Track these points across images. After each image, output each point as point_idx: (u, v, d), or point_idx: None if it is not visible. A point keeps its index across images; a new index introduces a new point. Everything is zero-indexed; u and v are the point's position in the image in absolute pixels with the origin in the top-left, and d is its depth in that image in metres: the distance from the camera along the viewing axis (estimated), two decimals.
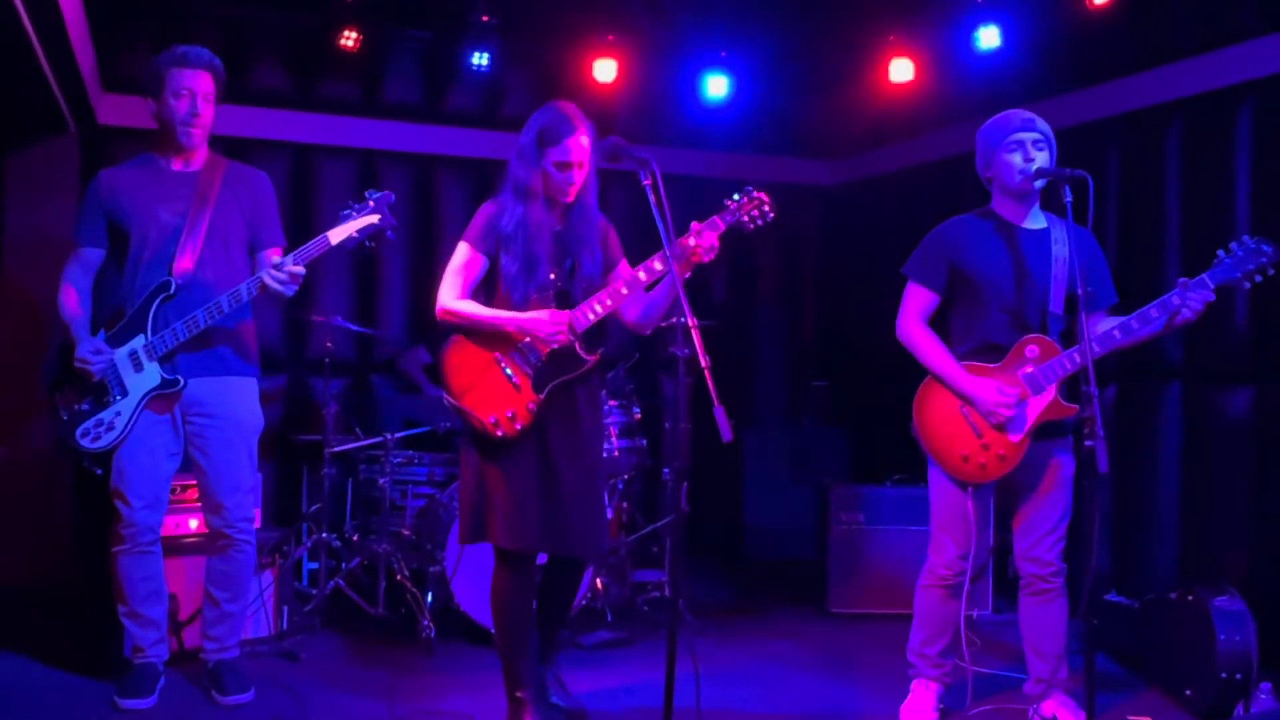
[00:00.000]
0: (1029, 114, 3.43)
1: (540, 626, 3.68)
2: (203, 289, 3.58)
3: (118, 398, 3.56)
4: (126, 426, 3.56)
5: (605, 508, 3.53)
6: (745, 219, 3.21)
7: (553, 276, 3.34)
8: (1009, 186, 3.42)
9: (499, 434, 3.26)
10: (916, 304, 3.51)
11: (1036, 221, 3.49)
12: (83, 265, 3.66)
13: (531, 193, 3.32)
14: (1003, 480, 3.46)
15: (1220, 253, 3.25)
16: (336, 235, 3.48)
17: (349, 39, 5.56)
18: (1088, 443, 2.90)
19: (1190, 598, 3.87)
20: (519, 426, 3.26)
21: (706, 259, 3.15)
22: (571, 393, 3.37)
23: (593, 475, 3.42)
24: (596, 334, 3.39)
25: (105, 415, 3.56)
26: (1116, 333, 3.29)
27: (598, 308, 3.28)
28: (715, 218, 3.19)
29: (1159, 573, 4.72)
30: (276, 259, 3.54)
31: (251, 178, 3.80)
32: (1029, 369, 3.35)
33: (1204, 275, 3.24)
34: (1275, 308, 4.37)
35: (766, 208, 3.22)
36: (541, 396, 3.28)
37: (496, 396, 3.28)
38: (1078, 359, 3.30)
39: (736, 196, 3.22)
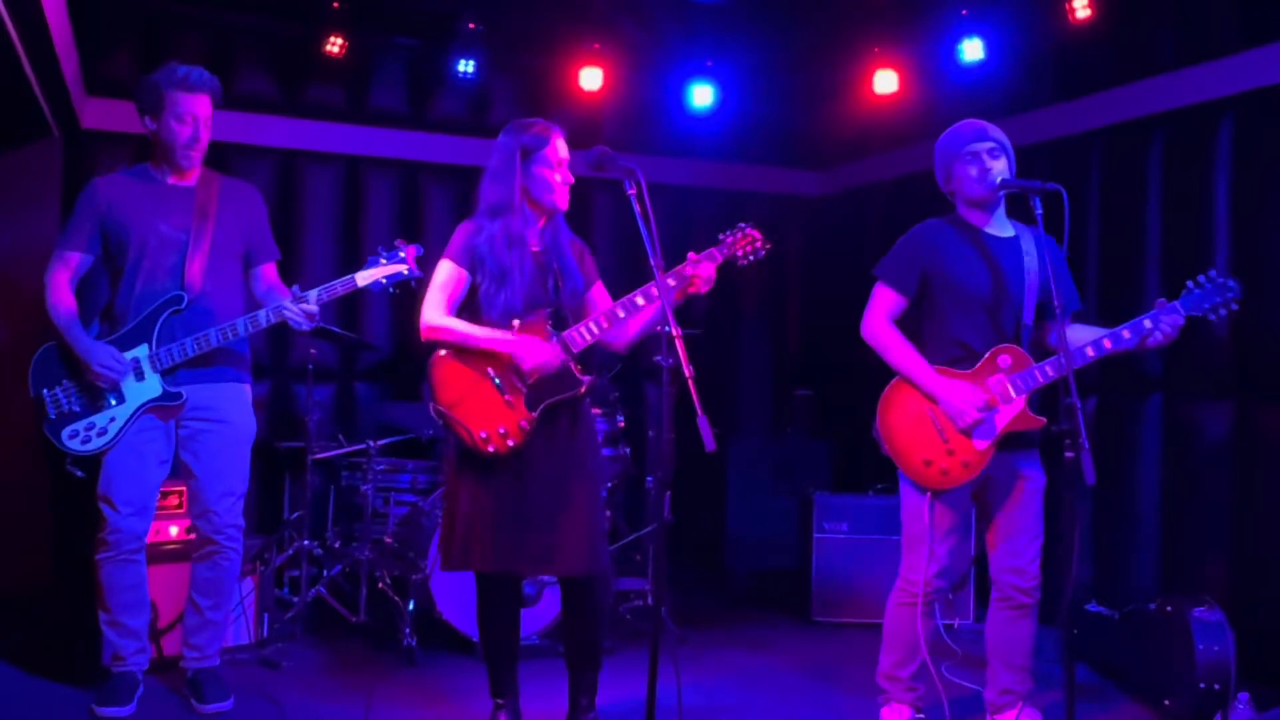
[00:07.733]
0: (981, 123, 3.45)
1: (571, 672, 3.41)
2: (209, 304, 3.62)
3: (113, 404, 3.54)
4: (119, 433, 3.54)
5: (601, 523, 3.33)
6: (739, 254, 3.27)
7: (540, 295, 3.27)
8: (972, 197, 3.43)
9: (489, 449, 3.17)
10: (885, 305, 3.47)
11: (1004, 229, 3.49)
12: (72, 270, 3.64)
13: (509, 210, 3.27)
14: (975, 498, 3.46)
15: (1190, 283, 3.31)
16: (364, 278, 3.57)
17: (335, 45, 5.55)
18: (1069, 454, 2.91)
19: (1169, 608, 3.89)
20: (510, 444, 3.17)
21: (703, 290, 3.18)
22: (558, 412, 3.26)
23: (584, 492, 3.29)
24: (588, 353, 3.30)
25: (98, 419, 3.54)
26: (1089, 350, 3.30)
27: (594, 328, 3.21)
28: (712, 250, 3.23)
29: (1139, 583, 4.74)
30: (274, 274, 3.67)
31: (245, 192, 3.82)
32: (1000, 377, 3.34)
33: (1176, 302, 3.29)
34: (1256, 323, 4.40)
35: (759, 244, 3.28)
36: (535, 415, 3.19)
37: (489, 411, 3.19)
38: (1050, 372, 3.30)
39: (729, 232, 3.28)
